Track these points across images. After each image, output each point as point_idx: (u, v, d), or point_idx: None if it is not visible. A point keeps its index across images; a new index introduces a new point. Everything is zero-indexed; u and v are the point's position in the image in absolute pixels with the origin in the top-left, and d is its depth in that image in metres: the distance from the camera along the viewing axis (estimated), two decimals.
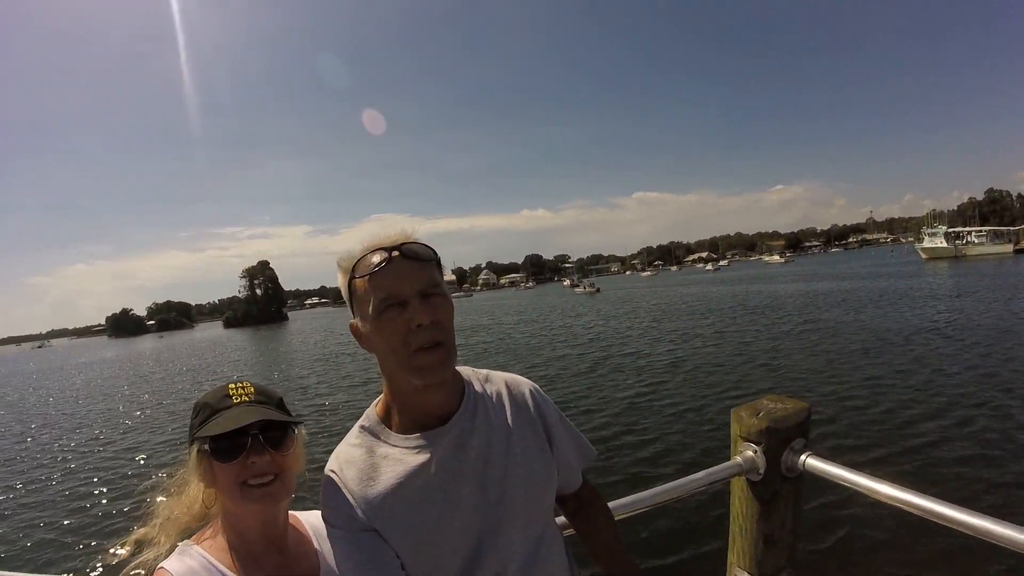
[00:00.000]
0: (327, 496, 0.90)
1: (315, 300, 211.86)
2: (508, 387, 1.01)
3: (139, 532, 1.01)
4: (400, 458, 0.89)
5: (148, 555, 0.97)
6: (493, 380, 1.02)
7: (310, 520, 1.09)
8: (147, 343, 78.08)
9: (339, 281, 0.92)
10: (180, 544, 0.97)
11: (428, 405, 0.91)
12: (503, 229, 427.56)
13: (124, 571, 0.98)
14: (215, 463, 0.92)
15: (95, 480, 8.77)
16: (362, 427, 0.95)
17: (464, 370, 1.02)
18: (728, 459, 1.41)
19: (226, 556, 0.94)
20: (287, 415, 0.99)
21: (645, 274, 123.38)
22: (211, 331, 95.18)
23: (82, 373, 34.02)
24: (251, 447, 0.92)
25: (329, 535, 0.90)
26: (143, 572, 0.97)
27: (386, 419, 0.94)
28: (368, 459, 0.90)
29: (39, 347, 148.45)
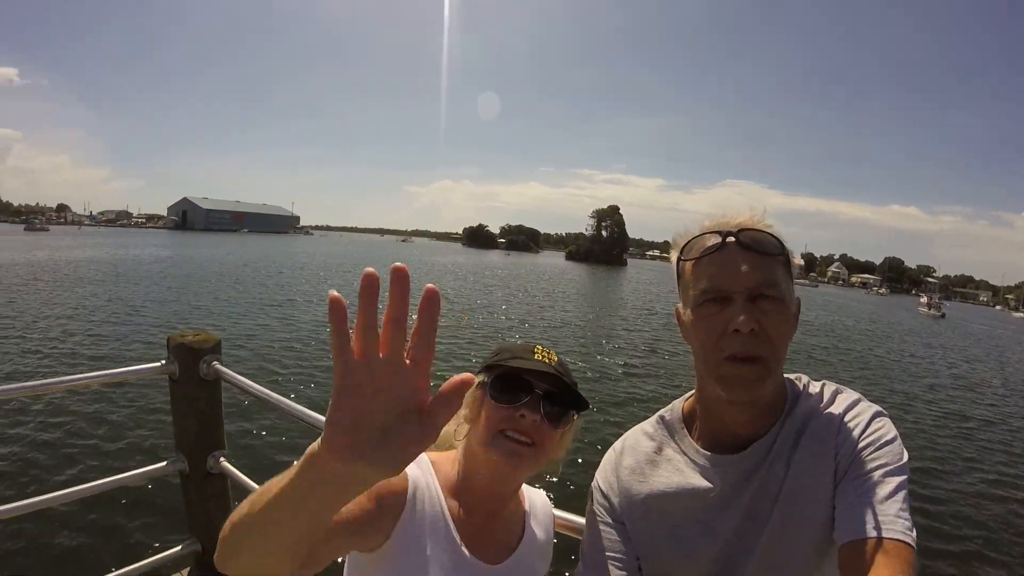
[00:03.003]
0: (600, 470, 0.93)
1: (656, 253, 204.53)
2: (840, 417, 0.78)
3: None
4: (681, 469, 0.85)
5: None
6: (827, 401, 0.81)
7: (533, 499, 1.07)
8: (495, 257, 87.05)
9: (671, 257, 0.85)
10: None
11: (729, 422, 0.81)
12: (865, 222, 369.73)
13: None
14: (487, 400, 0.91)
15: None
16: (662, 418, 0.93)
17: (799, 382, 0.85)
18: None
19: (449, 486, 0.95)
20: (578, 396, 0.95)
21: (1019, 315, 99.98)
22: (553, 259, 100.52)
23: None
24: (529, 402, 0.89)
25: (587, 508, 0.95)
26: None
27: (689, 419, 0.90)
28: (652, 455, 0.89)
29: (403, 241, 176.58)
